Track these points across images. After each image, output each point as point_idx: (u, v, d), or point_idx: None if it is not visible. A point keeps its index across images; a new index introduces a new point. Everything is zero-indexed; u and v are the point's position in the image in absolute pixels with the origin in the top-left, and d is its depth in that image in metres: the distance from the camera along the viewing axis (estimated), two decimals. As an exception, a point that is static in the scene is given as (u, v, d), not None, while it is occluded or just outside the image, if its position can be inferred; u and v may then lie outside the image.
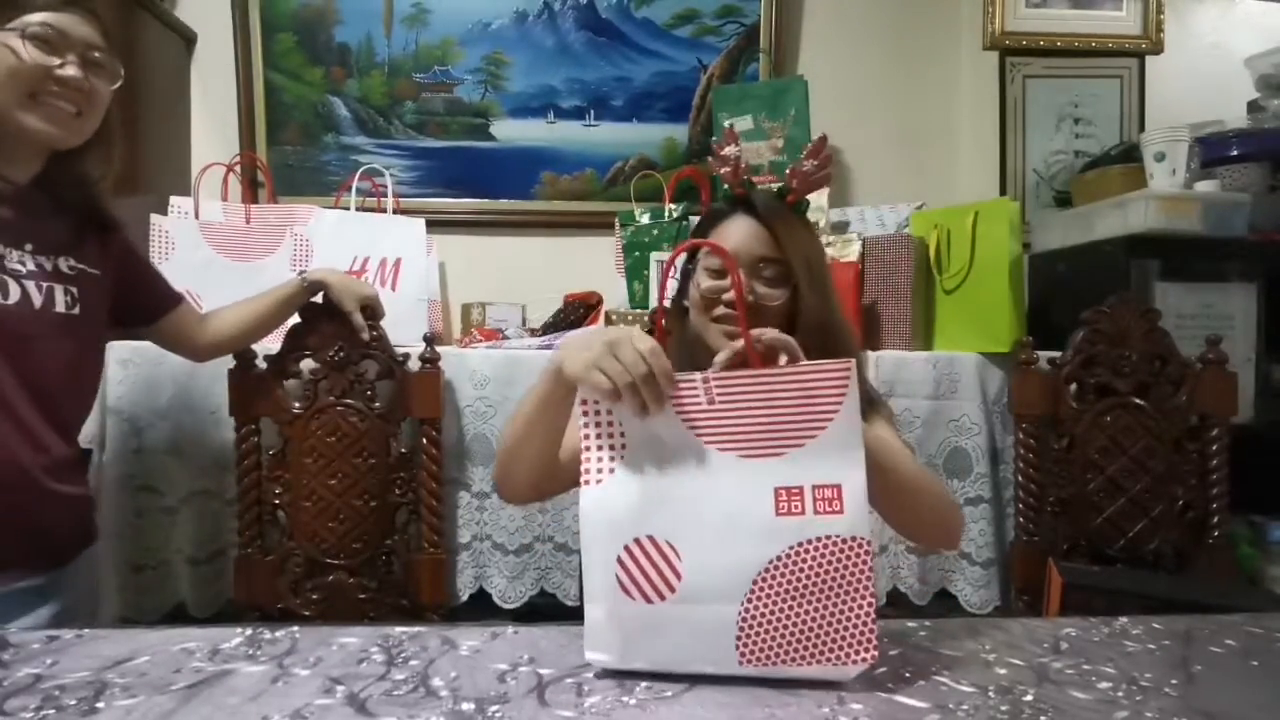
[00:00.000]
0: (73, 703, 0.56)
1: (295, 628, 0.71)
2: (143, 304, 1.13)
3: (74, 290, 0.98)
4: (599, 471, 0.65)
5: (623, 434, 0.65)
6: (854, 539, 0.61)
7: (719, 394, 0.64)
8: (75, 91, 0.91)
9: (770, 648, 0.61)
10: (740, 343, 0.70)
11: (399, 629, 0.71)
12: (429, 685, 0.60)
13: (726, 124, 1.03)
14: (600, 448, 0.66)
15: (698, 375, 0.65)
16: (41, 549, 0.97)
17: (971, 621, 0.76)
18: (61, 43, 0.90)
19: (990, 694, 0.59)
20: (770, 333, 0.72)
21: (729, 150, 0.92)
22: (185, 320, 1.18)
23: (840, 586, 0.61)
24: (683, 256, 0.97)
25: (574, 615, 0.66)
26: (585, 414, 0.67)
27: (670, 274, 0.85)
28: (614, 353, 0.64)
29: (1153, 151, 1.59)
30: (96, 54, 0.94)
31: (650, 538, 0.63)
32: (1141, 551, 1.35)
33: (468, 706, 0.56)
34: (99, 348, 1.08)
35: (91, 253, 1.01)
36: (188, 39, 1.86)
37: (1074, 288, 1.64)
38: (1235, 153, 1.65)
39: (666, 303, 0.93)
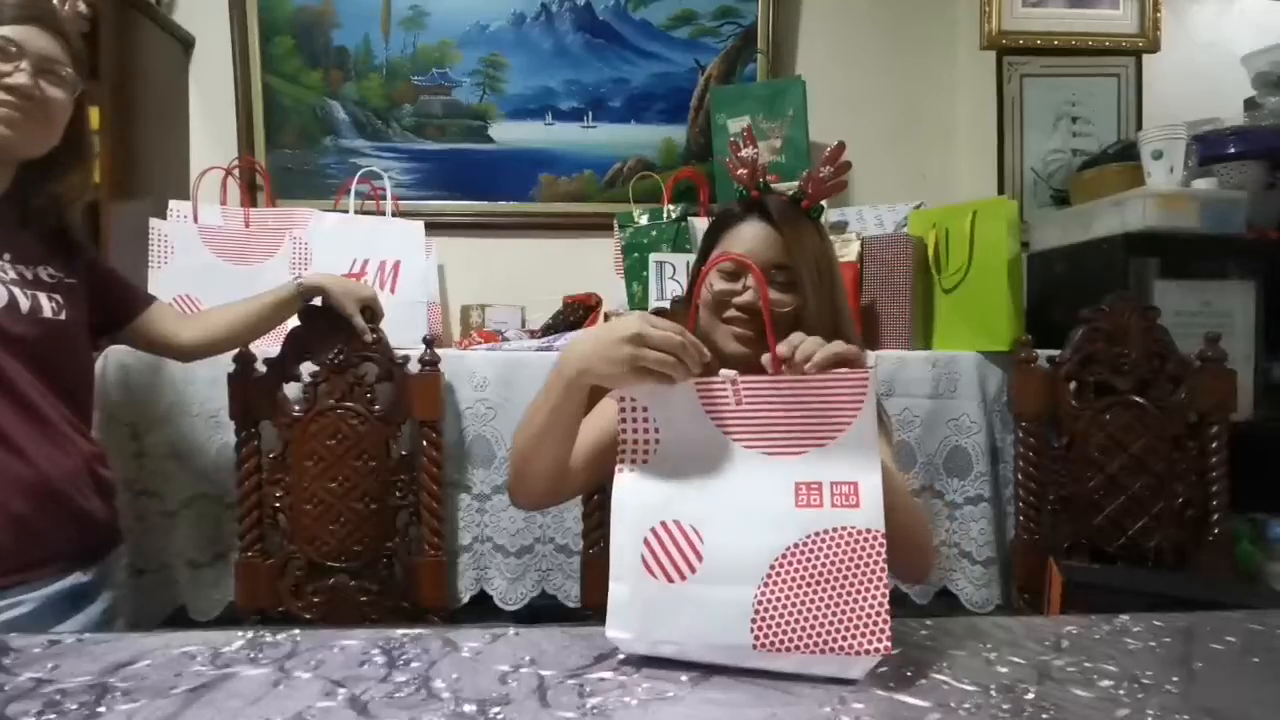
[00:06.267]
0: (74, 707, 0.56)
1: (296, 631, 0.71)
2: (114, 307, 1.14)
3: (57, 297, 0.99)
4: (633, 460, 0.69)
5: (657, 430, 0.69)
6: (869, 531, 0.63)
7: (746, 396, 0.67)
8: (24, 99, 0.92)
9: (785, 632, 0.62)
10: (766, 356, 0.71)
11: (400, 631, 0.71)
12: (430, 687, 0.60)
13: (744, 125, 1.05)
14: (635, 440, 0.70)
15: (727, 377, 0.67)
16: (89, 543, 1.02)
17: (973, 620, 0.76)
18: (15, 53, 0.92)
19: (992, 692, 0.59)
20: (818, 352, 0.67)
21: (747, 152, 0.94)
22: (160, 318, 1.18)
23: (855, 575, 0.62)
24: (694, 255, 0.98)
25: (575, 617, 0.66)
26: (621, 410, 0.70)
27: (702, 280, 0.89)
28: (642, 342, 0.67)
29: (1150, 150, 1.59)
30: (55, 66, 0.95)
31: (676, 522, 0.67)
32: (1142, 549, 1.35)
33: (469, 708, 0.56)
34: (89, 353, 1.10)
35: (63, 264, 1.03)
36: (185, 43, 1.86)
37: (1072, 286, 1.64)
38: (1232, 150, 1.65)
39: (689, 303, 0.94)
